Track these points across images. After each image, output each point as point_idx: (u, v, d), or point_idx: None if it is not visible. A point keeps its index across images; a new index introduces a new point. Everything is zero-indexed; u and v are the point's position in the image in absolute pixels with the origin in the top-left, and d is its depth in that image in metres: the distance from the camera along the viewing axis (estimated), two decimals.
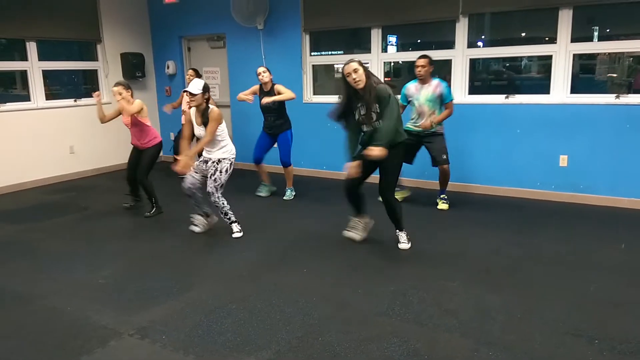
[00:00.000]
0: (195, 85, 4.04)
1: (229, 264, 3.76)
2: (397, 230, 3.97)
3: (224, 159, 4.21)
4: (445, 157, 4.79)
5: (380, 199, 3.89)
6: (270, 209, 5.24)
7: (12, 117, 6.21)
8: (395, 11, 5.76)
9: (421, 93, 4.74)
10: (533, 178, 5.28)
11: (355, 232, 4.12)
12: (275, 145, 5.47)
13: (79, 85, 7.44)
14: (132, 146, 5.05)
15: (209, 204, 4.32)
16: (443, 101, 4.73)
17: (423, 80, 4.73)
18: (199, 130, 4.23)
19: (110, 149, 7.26)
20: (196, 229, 4.40)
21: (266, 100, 5.13)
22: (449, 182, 4.99)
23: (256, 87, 5.36)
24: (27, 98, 6.43)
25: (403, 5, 5.69)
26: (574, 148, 5.04)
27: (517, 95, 5.30)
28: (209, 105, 4.15)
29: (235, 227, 4.30)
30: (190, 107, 4.24)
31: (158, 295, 3.23)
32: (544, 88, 5.21)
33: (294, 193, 5.56)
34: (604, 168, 4.94)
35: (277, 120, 5.32)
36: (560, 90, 5.08)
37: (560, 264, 3.58)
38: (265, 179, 5.68)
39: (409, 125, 4.83)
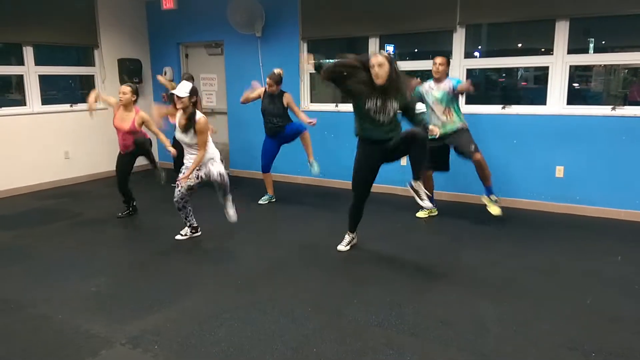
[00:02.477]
0: (183, 88, 4.03)
1: (223, 273, 3.73)
2: (412, 180, 3.83)
3: (214, 165, 4.20)
4: (473, 146, 4.62)
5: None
6: (265, 217, 5.22)
7: (7, 121, 6.17)
8: (392, 21, 5.77)
9: (435, 91, 4.71)
10: (529, 189, 5.28)
11: (343, 246, 4.12)
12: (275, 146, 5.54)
13: (76, 91, 7.41)
14: (119, 153, 4.99)
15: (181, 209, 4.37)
16: (454, 90, 4.64)
17: (438, 80, 4.71)
18: (180, 134, 4.17)
19: (105, 155, 7.18)
20: (180, 237, 4.45)
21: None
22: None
23: (261, 90, 5.37)
24: (22, 102, 6.40)
25: (401, 15, 5.70)
26: (570, 159, 5.05)
27: (513, 106, 5.31)
28: (196, 110, 4.10)
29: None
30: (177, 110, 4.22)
31: (151, 304, 3.20)
32: (541, 99, 5.23)
33: (319, 164, 5.57)
34: (600, 179, 4.94)
35: (280, 123, 5.32)
36: (556, 101, 5.09)
37: (556, 276, 3.57)
38: (269, 189, 5.67)
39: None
